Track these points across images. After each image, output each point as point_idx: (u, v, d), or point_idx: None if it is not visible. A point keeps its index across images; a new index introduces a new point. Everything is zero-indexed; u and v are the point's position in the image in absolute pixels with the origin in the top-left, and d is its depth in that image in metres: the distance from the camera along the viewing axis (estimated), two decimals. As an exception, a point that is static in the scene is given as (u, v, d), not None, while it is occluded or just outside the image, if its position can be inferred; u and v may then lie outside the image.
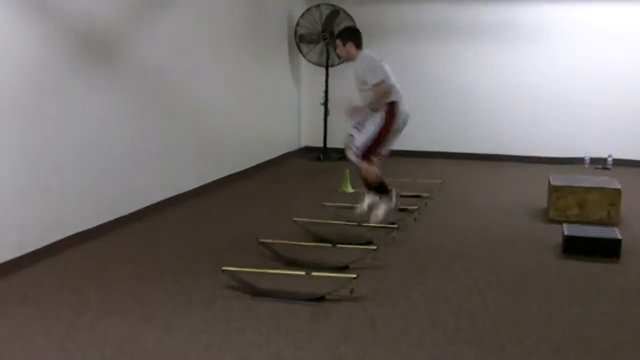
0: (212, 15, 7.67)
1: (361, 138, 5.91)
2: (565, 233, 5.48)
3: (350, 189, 7.68)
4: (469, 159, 10.21)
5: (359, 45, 6.08)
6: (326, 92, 10.09)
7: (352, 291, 4.31)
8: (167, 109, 6.78)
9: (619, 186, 6.47)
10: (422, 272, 4.94)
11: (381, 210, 6.02)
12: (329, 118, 10.16)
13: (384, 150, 6.04)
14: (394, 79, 5.94)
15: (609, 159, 9.79)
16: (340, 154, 9.44)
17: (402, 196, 7.25)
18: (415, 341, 3.73)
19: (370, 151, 5.92)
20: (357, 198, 6.90)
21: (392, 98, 5.86)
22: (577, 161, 9.95)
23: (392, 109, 5.87)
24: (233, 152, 8.27)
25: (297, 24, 9.98)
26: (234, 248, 5.50)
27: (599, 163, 9.83)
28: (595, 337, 3.85)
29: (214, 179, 7.73)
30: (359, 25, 9.84)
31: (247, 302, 4.26)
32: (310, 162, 10.02)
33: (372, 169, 5.95)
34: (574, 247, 5.39)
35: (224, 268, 4.60)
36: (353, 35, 6.14)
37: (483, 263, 5.20)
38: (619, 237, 5.38)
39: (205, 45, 7.53)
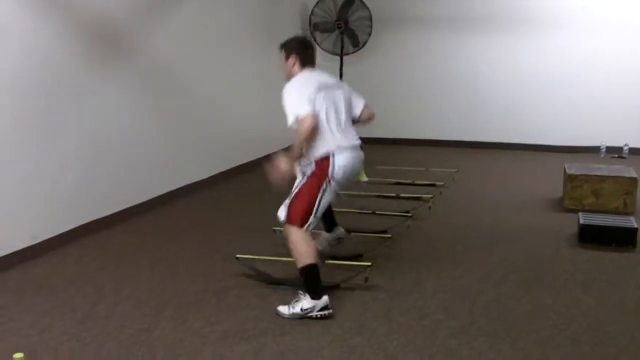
0: (225, 8, 7.66)
1: (287, 200, 4.27)
2: (581, 222, 5.45)
3: (365, 178, 7.62)
4: (484, 148, 10.15)
5: (304, 62, 4.38)
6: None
7: (366, 280, 4.31)
8: (179, 102, 6.78)
9: (635, 175, 6.42)
10: (437, 262, 4.93)
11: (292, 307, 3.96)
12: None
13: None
14: (335, 118, 4.20)
15: (625, 147, 9.70)
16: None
17: (416, 185, 7.26)
18: (430, 332, 3.72)
19: (297, 216, 4.11)
20: (372, 187, 6.85)
21: (323, 149, 4.11)
22: (592, 150, 9.86)
23: (322, 163, 4.12)
24: (245, 143, 8.24)
25: (312, 13, 9.92)
26: (247, 237, 5.50)
27: (615, 152, 9.74)
28: (610, 328, 3.82)
29: (227, 168, 7.74)
30: (373, 15, 9.82)
31: (261, 291, 4.27)
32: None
33: (301, 240, 4.04)
34: (589, 236, 5.35)
35: (237, 256, 4.61)
36: (299, 48, 4.45)
37: (498, 253, 5.18)
38: (635, 226, 5.33)
39: (218, 39, 7.52)
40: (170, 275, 4.59)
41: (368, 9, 9.76)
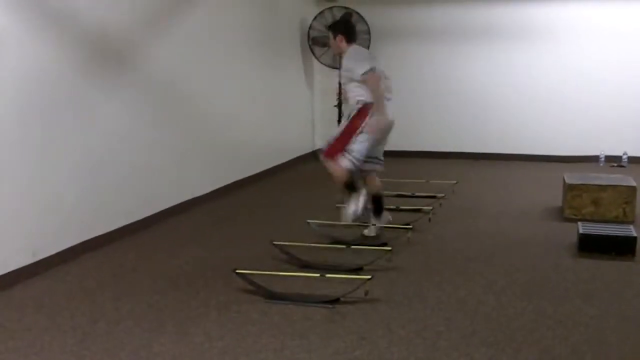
0: (226, 21, 7.69)
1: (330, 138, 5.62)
2: (580, 231, 5.44)
3: None
4: (483, 159, 10.16)
5: (350, 39, 5.64)
6: (339, 94, 10.05)
7: (366, 293, 4.30)
8: (181, 115, 6.80)
9: (634, 184, 6.42)
10: (437, 274, 4.92)
11: (350, 208, 5.51)
12: (342, 119, 10.10)
13: (354, 153, 5.42)
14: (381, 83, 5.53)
15: (624, 156, 9.72)
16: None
17: (416, 197, 7.27)
18: (431, 344, 3.71)
19: (334, 150, 5.46)
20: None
21: (368, 99, 5.41)
22: (592, 159, 9.89)
23: (362, 111, 5.45)
24: (247, 156, 8.27)
25: (310, 27, 9.97)
26: (248, 251, 5.49)
27: (614, 161, 9.76)
28: (611, 338, 3.81)
29: (229, 182, 7.75)
30: (372, 28, 9.87)
31: (261, 306, 4.25)
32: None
33: (337, 167, 5.43)
34: (589, 246, 5.35)
35: (237, 271, 4.60)
36: (343, 28, 5.71)
37: (498, 264, 5.17)
38: (634, 234, 5.33)
39: (219, 51, 7.55)
40: (171, 291, 4.58)
41: (366, 22, 9.82)
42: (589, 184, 6.48)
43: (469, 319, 4.07)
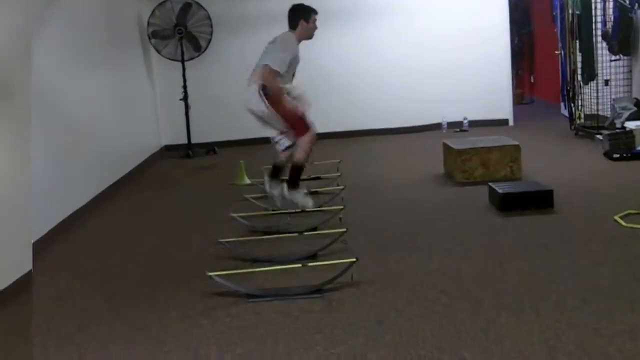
0: (81, 24, 7.13)
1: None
2: (500, 192, 5.66)
3: (247, 181, 7.45)
4: (334, 138, 10.15)
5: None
6: (185, 87, 9.72)
7: (352, 277, 4.19)
8: (55, 126, 6.17)
9: (517, 143, 6.84)
10: (366, 250, 4.79)
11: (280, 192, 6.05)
12: (190, 113, 9.80)
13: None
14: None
15: (465, 121, 10.32)
16: (206, 149, 9.22)
17: (314, 178, 7.18)
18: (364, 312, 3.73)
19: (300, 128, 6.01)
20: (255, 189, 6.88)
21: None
22: (435, 127, 10.41)
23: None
24: (111, 161, 7.74)
25: (149, 22, 9.51)
26: (185, 254, 5.17)
27: (456, 126, 10.32)
28: (561, 291, 3.90)
29: (102, 189, 7.21)
30: (213, 17, 9.57)
31: (249, 307, 3.96)
32: (180, 161, 9.60)
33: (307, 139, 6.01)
34: (510, 204, 5.58)
35: (210, 274, 4.24)
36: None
37: (430, 234, 5.19)
38: (550, 188, 5.69)
39: (80, 55, 6.99)
40: (136, 311, 4.15)
41: (207, 11, 9.51)
42: (477, 148, 6.79)
43: (417, 292, 4.03)
